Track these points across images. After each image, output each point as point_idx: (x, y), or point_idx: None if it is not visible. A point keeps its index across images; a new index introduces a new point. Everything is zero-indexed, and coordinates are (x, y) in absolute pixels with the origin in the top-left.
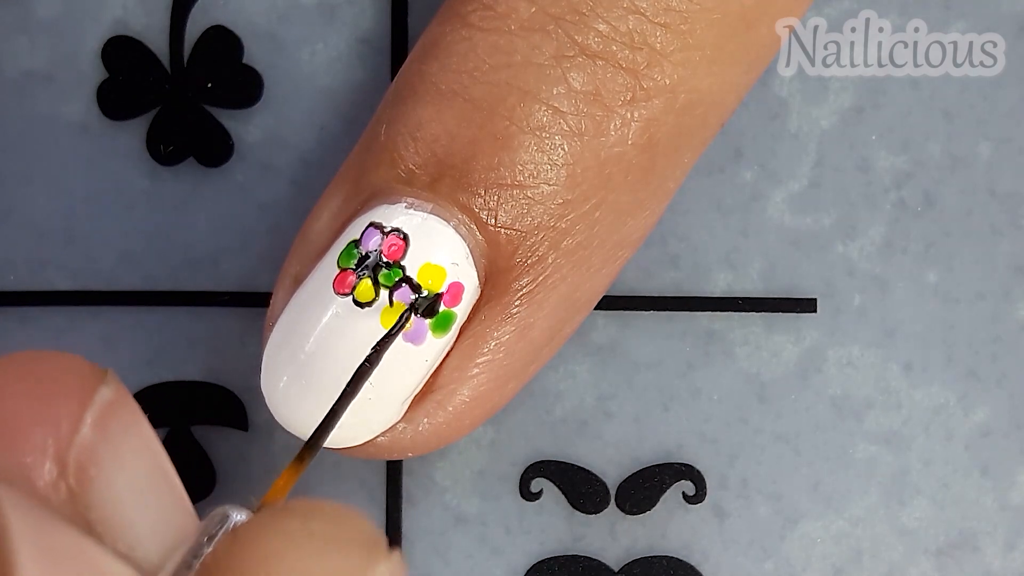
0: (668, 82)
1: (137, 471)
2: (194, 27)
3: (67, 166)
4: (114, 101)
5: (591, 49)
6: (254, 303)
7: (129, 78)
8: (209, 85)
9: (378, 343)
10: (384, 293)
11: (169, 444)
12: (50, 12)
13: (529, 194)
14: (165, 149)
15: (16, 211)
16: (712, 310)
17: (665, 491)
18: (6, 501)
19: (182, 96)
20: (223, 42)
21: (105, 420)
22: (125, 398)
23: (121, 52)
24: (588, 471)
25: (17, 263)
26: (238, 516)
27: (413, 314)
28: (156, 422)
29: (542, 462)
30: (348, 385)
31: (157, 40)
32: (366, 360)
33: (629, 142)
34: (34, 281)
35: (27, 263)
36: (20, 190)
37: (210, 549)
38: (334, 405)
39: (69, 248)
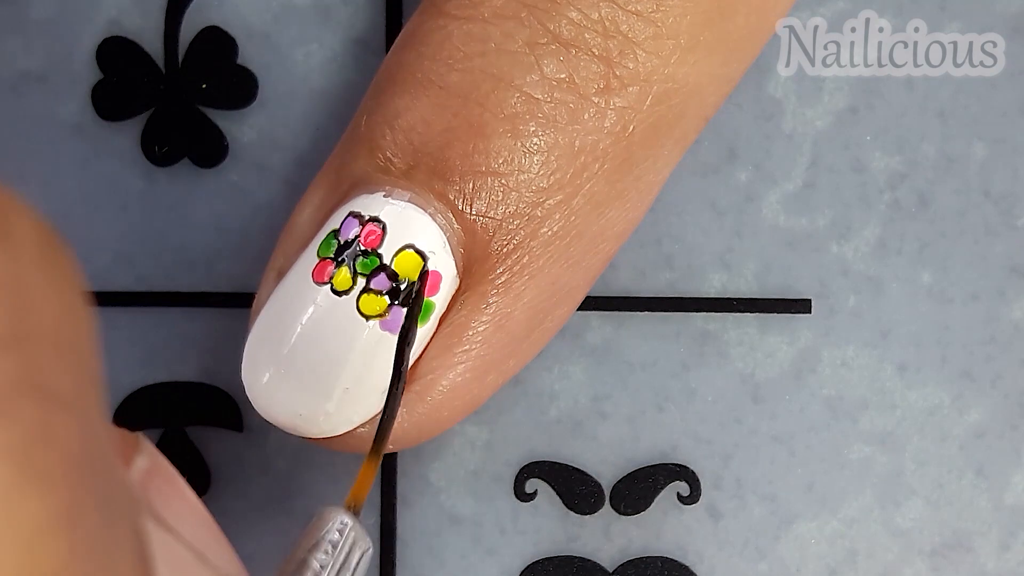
0: (642, 71)
1: (183, 536)
2: (188, 28)
3: (61, 167)
4: (108, 102)
5: (563, 37)
6: (249, 304)
7: (123, 79)
8: (203, 86)
9: (405, 320)
10: (361, 281)
11: (163, 445)
12: (44, 13)
13: (504, 181)
14: (159, 150)
15: None
16: (707, 311)
17: (660, 492)
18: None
19: (176, 97)
20: (217, 43)
21: (145, 492)
22: (160, 463)
23: (115, 53)
24: (583, 472)
25: None
26: (348, 520)
27: (393, 303)
28: (150, 423)
29: (537, 463)
30: (395, 366)
31: (151, 41)
32: (400, 340)
33: (604, 130)
34: None
35: None
36: (14, 190)
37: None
38: (388, 395)
39: None
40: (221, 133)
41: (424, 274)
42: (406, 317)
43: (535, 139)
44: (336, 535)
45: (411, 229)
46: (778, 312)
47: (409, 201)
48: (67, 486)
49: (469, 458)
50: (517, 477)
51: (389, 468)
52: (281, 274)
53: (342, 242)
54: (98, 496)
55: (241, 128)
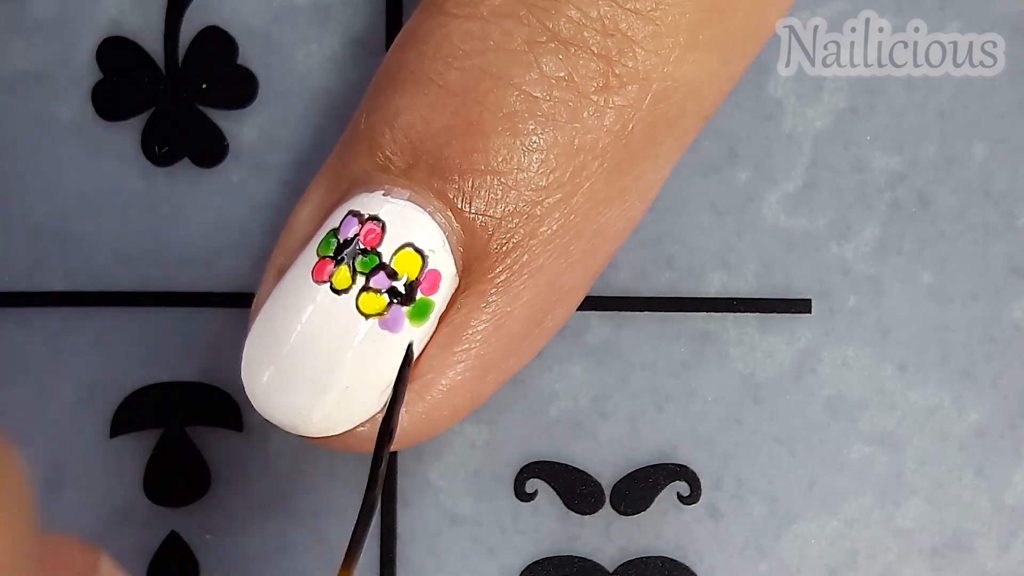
0: (641, 69)
1: None
2: (189, 28)
3: (61, 167)
4: (109, 101)
5: (562, 35)
6: (248, 303)
7: (124, 78)
8: (204, 86)
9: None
10: (361, 280)
11: (164, 445)
12: (45, 13)
13: (503, 180)
14: (160, 149)
15: (10, 212)
16: (707, 311)
17: (660, 492)
18: None
19: (177, 97)
20: (218, 43)
21: None
22: None
23: (116, 52)
24: (583, 472)
25: (11, 264)
26: None
27: (393, 301)
28: (151, 423)
29: (537, 463)
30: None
31: (152, 41)
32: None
33: (604, 129)
34: (28, 282)
35: (21, 264)
36: (14, 190)
37: None
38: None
39: (63, 249)
40: (221, 133)
41: (410, 350)
42: (395, 389)
43: (534, 137)
44: None
45: (410, 228)
46: (778, 312)
47: (408, 200)
48: None
49: (469, 458)
50: (517, 477)
51: (389, 468)
52: (281, 273)
53: (341, 241)
54: None
55: (241, 128)
